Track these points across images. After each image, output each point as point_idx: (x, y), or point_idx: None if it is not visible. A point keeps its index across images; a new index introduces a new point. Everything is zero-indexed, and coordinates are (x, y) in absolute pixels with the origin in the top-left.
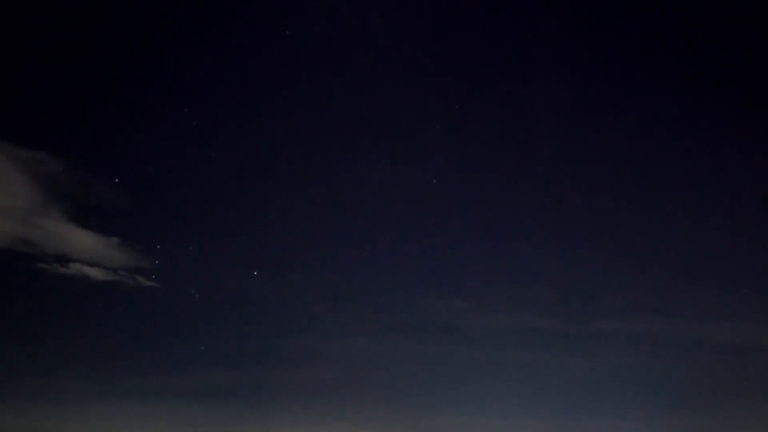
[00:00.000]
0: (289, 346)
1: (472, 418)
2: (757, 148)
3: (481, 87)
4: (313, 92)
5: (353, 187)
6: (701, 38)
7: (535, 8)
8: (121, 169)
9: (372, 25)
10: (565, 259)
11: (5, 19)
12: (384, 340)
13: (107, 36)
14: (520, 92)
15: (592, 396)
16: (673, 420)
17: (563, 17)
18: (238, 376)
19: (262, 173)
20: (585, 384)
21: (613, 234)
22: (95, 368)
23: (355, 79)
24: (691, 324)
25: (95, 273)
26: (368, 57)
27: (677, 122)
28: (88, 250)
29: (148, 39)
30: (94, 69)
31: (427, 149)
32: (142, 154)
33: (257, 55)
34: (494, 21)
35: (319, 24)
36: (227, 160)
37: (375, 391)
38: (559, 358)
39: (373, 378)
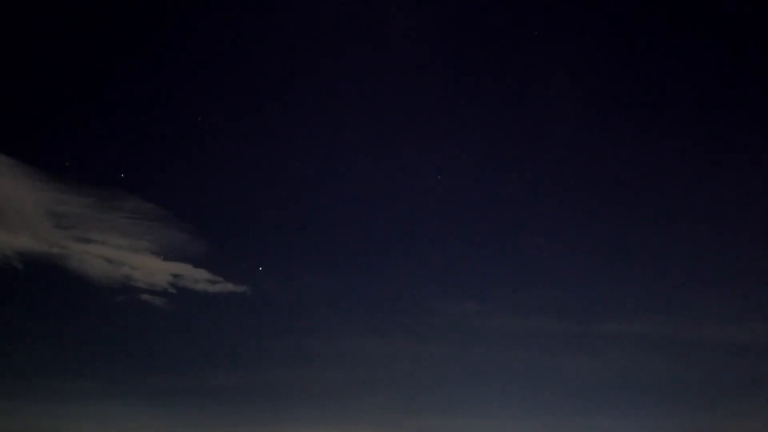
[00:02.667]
0: (298, 347)
1: (480, 419)
2: (762, 150)
3: (494, 88)
4: (325, 93)
5: (367, 188)
6: (709, 40)
7: (543, 7)
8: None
9: (379, 21)
10: (573, 261)
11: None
12: (397, 341)
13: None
14: (533, 95)
15: (600, 396)
16: (679, 420)
17: (571, 16)
18: (249, 377)
19: (272, 174)
20: (592, 384)
21: (619, 237)
22: (103, 369)
23: (369, 81)
24: (696, 325)
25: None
26: (379, 58)
27: (684, 124)
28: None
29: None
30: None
31: (443, 152)
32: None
33: (262, 59)
34: (500, 19)
35: (329, 21)
36: (236, 159)
37: (386, 392)
38: (566, 360)
39: (384, 379)
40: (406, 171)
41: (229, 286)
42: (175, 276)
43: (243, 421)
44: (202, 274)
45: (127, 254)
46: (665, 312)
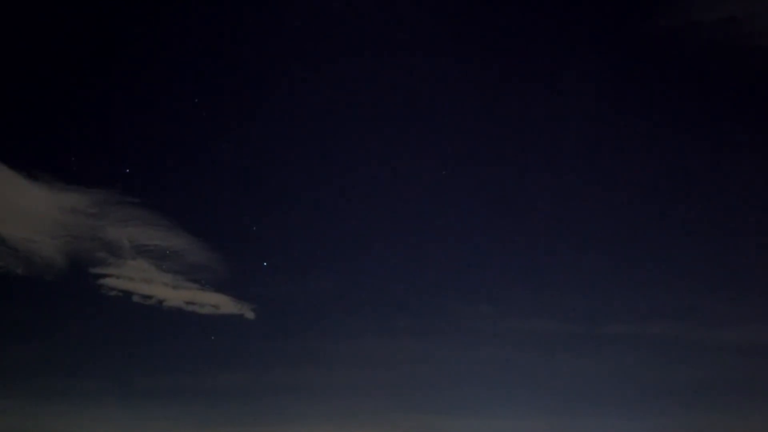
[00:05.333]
0: (308, 348)
1: (490, 419)
2: None
3: (506, 89)
4: (336, 92)
5: (379, 189)
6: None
7: (551, 5)
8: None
9: (384, 18)
10: (584, 265)
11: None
12: (410, 343)
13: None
14: (546, 95)
15: (608, 397)
16: (684, 421)
17: (577, 15)
18: (255, 377)
19: (281, 172)
20: (600, 385)
21: (628, 241)
22: (103, 369)
23: (378, 80)
24: (703, 327)
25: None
26: (386, 57)
27: (693, 126)
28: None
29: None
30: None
31: (456, 154)
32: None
33: (267, 58)
34: (509, 15)
35: (332, 19)
36: (244, 156)
37: (399, 393)
38: (575, 361)
39: (396, 380)
40: (419, 174)
41: (238, 307)
42: (188, 303)
43: (251, 422)
44: (213, 297)
45: (142, 285)
46: (672, 314)
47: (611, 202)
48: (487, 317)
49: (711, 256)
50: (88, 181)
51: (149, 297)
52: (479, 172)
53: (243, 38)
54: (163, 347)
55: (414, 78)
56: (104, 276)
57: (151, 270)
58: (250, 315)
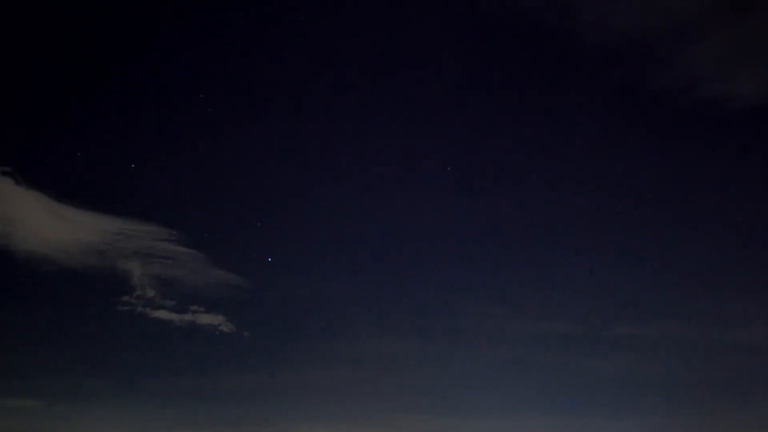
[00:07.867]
0: (320, 349)
1: (500, 420)
2: None
3: (513, 91)
4: (341, 94)
5: (393, 191)
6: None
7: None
8: None
9: (391, 17)
10: (589, 266)
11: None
12: (420, 344)
13: None
14: (553, 98)
15: (616, 397)
16: (685, 421)
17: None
18: (263, 378)
19: (294, 171)
20: (610, 386)
21: (636, 243)
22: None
23: (387, 80)
24: (704, 327)
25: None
26: (391, 56)
27: (698, 127)
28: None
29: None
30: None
31: (466, 156)
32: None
33: (268, 62)
34: (515, 17)
35: (339, 17)
36: (253, 157)
37: (410, 393)
38: (584, 362)
39: (407, 380)
40: (427, 174)
41: (238, 327)
42: (191, 323)
43: (252, 422)
44: (215, 318)
45: (147, 310)
46: (676, 315)
47: (616, 205)
48: (497, 318)
49: (712, 257)
50: (100, 210)
51: (156, 320)
52: (488, 173)
53: (248, 46)
54: (165, 354)
55: (422, 77)
56: (114, 304)
57: (157, 297)
58: (248, 334)
